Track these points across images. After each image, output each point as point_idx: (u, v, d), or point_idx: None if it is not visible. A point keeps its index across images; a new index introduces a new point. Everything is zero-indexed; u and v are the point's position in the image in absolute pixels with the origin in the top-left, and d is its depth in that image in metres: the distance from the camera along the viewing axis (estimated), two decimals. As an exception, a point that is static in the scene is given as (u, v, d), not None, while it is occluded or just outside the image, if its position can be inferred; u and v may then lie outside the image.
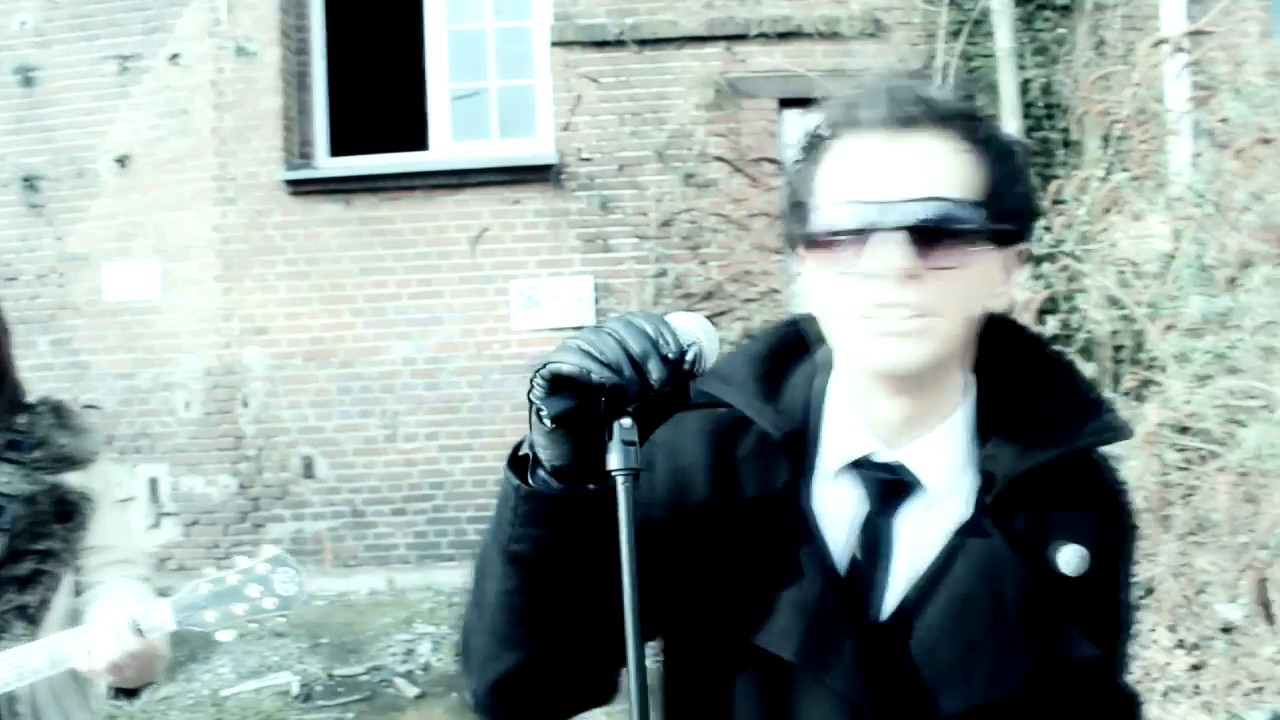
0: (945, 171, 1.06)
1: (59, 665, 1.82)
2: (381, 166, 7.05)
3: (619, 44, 6.97)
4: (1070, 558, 1.12)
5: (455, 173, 6.91)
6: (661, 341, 0.99)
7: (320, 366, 6.84)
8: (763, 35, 6.99)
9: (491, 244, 6.89)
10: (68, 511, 2.01)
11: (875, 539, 1.13)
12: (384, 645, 5.80)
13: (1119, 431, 1.17)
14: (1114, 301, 5.12)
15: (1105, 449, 1.21)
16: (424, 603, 6.48)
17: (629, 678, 0.98)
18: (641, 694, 0.98)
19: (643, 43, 6.99)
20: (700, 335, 1.03)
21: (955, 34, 6.80)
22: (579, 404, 0.98)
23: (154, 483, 7.05)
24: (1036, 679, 1.10)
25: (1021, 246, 1.14)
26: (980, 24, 6.81)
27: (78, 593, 2.03)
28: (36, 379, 7.05)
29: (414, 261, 6.90)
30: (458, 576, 6.77)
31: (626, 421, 0.98)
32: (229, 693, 5.25)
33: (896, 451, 1.13)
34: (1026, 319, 6.26)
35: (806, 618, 1.10)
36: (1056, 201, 5.90)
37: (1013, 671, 1.09)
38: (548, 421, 0.99)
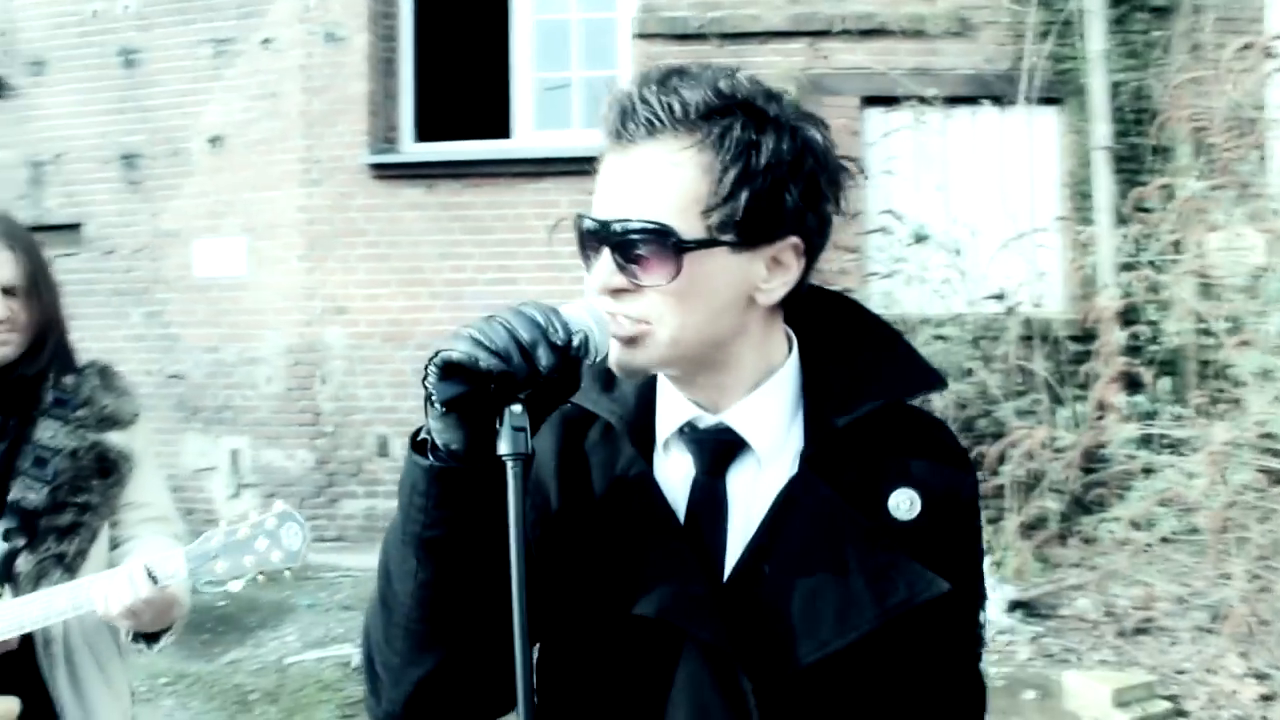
0: (650, 186, 1.08)
1: (81, 608, 1.92)
2: (464, 153, 7.16)
3: (701, 38, 6.98)
4: (901, 501, 1.15)
5: (536, 161, 6.98)
6: (551, 329, 1.03)
7: (397, 348, 6.98)
8: (846, 32, 6.94)
9: (570, 233, 6.94)
10: (108, 468, 2.13)
11: (707, 500, 1.16)
12: (445, 619, 5.88)
13: (931, 380, 1.23)
14: (1195, 314, 5.02)
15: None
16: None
17: (516, 658, 1.01)
18: (527, 674, 1.02)
19: (725, 37, 6.99)
20: (591, 323, 1.08)
21: (1044, 35, 6.70)
22: (469, 390, 1.02)
23: (235, 454, 7.26)
24: (888, 623, 1.11)
25: (791, 240, 1.12)
26: (1070, 24, 6.70)
27: (113, 546, 2.15)
28: (130, 349, 7.38)
29: (493, 248, 7.00)
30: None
31: (517, 408, 1.03)
32: (292, 660, 5.38)
33: (719, 415, 1.17)
34: (1109, 326, 6.17)
35: (662, 577, 1.12)
36: (1140, 209, 5.80)
37: (859, 615, 1.10)
38: (439, 406, 1.03)
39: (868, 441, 1.17)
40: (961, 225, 6.46)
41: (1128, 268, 6.27)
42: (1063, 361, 6.43)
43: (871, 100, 6.99)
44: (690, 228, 1.07)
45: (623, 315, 1.10)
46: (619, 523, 1.17)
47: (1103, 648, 4.90)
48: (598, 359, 1.09)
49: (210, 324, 7.34)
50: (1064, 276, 6.87)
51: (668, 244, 1.07)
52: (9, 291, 2.06)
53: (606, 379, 1.23)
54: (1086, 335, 6.40)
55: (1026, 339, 6.42)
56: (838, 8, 6.94)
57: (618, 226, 1.09)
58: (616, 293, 1.11)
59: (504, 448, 1.02)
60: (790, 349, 1.21)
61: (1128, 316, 6.19)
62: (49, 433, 2.09)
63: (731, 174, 1.07)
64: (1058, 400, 6.26)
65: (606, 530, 1.17)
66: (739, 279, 1.11)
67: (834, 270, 6.78)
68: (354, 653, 5.39)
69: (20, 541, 2.02)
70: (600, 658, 1.17)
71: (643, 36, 7.00)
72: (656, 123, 1.08)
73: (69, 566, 2.06)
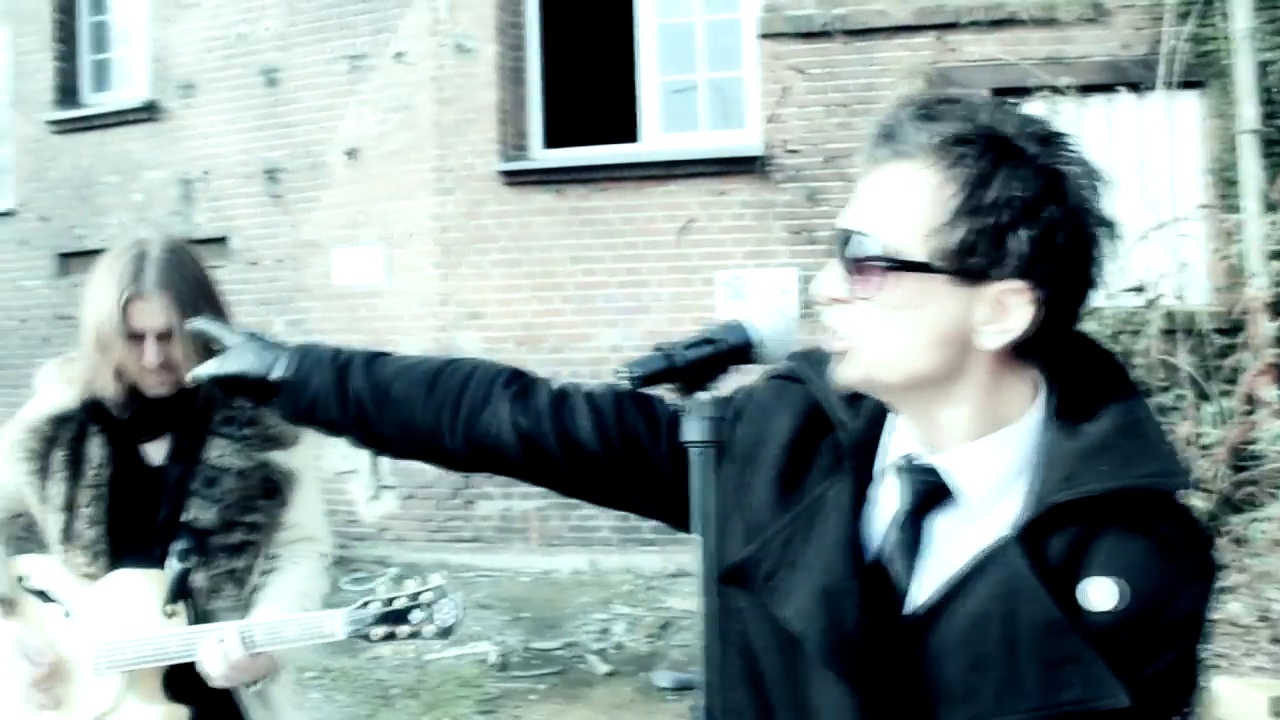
0: (883, 203, 1.09)
1: (187, 657, 2.01)
2: (593, 158, 7.26)
3: (827, 35, 6.95)
4: (1100, 591, 1.07)
5: (664, 164, 7.05)
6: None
7: (531, 351, 7.11)
8: (975, 23, 6.84)
9: (698, 234, 7.01)
10: (273, 488, 2.19)
11: (905, 539, 1.15)
12: (580, 623, 5.99)
13: (1178, 478, 1.12)
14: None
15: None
16: (623, 585, 6.66)
17: (703, 644, 1.05)
18: (714, 663, 1.06)
19: (851, 33, 6.95)
20: (767, 325, 1.13)
21: (1184, 15, 6.49)
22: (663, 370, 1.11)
23: (375, 457, 7.48)
24: (1051, 717, 1.06)
25: (1014, 284, 1.07)
26: (1212, 3, 6.48)
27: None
28: (278, 358, 7.59)
29: (623, 251, 7.09)
30: (658, 561, 6.94)
31: (706, 395, 1.07)
32: (432, 657, 5.53)
33: (938, 456, 1.14)
34: (1258, 317, 5.95)
35: (828, 602, 1.12)
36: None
37: (1020, 700, 1.06)
38: (630, 384, 1.12)
39: (1086, 518, 1.10)
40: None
41: (1278, 256, 6.03)
42: (1207, 355, 6.22)
43: (1002, 92, 6.84)
44: (908, 250, 1.08)
45: (833, 339, 1.13)
46: (814, 531, 1.18)
47: (1257, 654, 4.73)
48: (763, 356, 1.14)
49: (349, 330, 7.58)
50: (1208, 267, 6.64)
51: (882, 259, 1.08)
52: (162, 337, 2.07)
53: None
54: (1233, 327, 6.18)
55: (1169, 332, 6.22)
56: (965, -1, 6.85)
57: (846, 237, 1.12)
58: (834, 302, 1.13)
59: (692, 434, 1.06)
60: (1032, 404, 1.16)
61: (1278, 307, 5.97)
62: (218, 452, 2.15)
63: (955, 203, 1.06)
64: (1203, 395, 6.06)
65: (800, 531, 1.19)
66: (953, 314, 1.09)
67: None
68: (491, 650, 5.53)
69: (194, 560, 2.09)
70: (754, 640, 1.20)
71: (767, 36, 7.01)
72: (904, 145, 1.09)
73: (240, 582, 2.14)
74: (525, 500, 7.19)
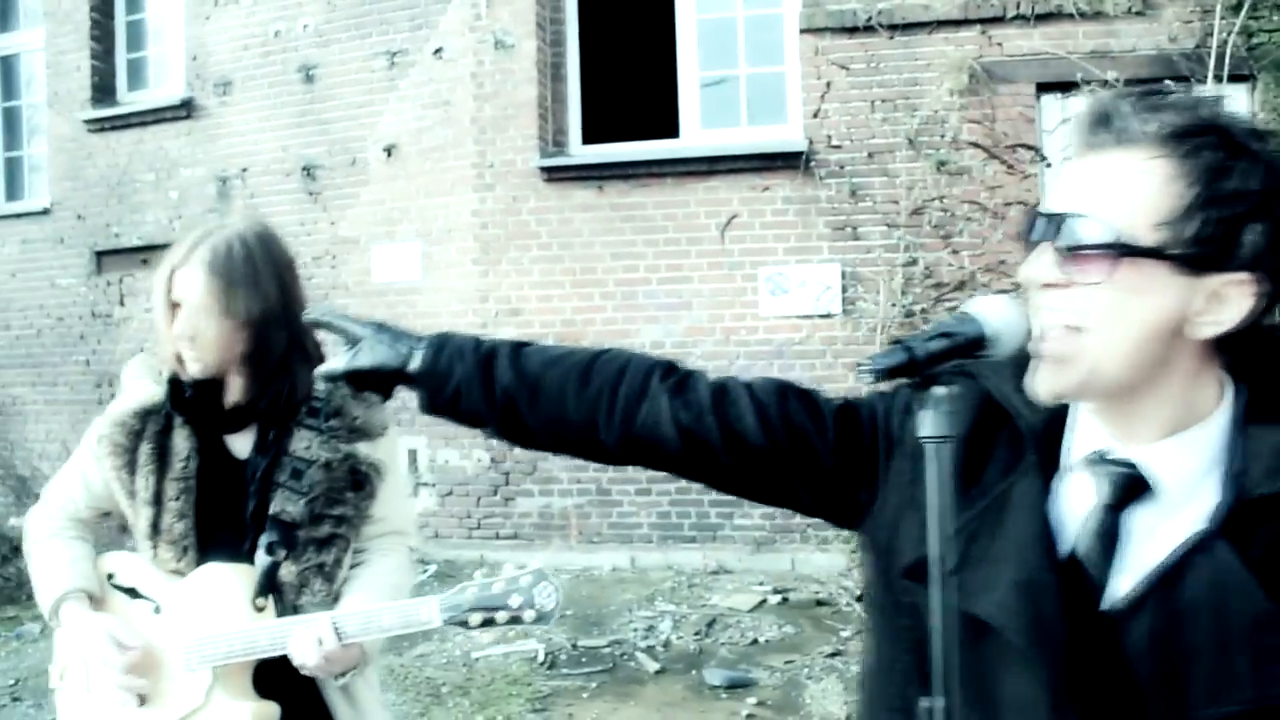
0: (1109, 189, 1.09)
1: (277, 650, 1.97)
2: (633, 154, 7.21)
3: (869, 29, 6.90)
4: None
5: (706, 159, 7.00)
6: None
7: (571, 348, 7.06)
8: (1020, 17, 6.77)
9: (740, 230, 6.96)
10: (360, 480, 2.15)
11: (1103, 533, 1.14)
12: (626, 620, 5.94)
13: None
14: None
15: None
16: (665, 581, 6.62)
17: (936, 643, 1.02)
18: (949, 662, 1.02)
19: (894, 28, 6.89)
20: (1001, 320, 1.11)
21: (1235, 8, 6.41)
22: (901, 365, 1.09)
23: (413, 454, 7.45)
24: (1262, 713, 1.05)
25: (1239, 276, 1.08)
26: (1264, -4, 6.41)
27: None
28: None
29: (664, 247, 7.05)
30: (698, 558, 6.90)
31: (942, 390, 1.05)
32: (479, 655, 5.50)
33: (1133, 450, 1.14)
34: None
35: (1027, 595, 1.11)
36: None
37: (1233, 693, 1.05)
38: (872, 377, 1.10)
39: None
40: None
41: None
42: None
43: (1047, 86, 6.81)
44: (1139, 236, 1.07)
45: (1053, 326, 1.11)
46: (1002, 525, 1.17)
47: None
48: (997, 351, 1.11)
49: (388, 328, 7.55)
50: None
51: (1113, 245, 1.07)
52: (197, 311, 2.05)
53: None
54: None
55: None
56: (1011, -8, 6.79)
57: (1067, 220, 1.10)
58: (1049, 287, 1.11)
59: (927, 429, 1.04)
60: (1222, 398, 1.16)
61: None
62: (304, 444, 2.11)
63: (1193, 193, 1.06)
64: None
65: (987, 526, 1.18)
66: (1173, 304, 1.09)
67: (1013, 261, 6.62)
68: (539, 648, 5.49)
69: (282, 553, 2.06)
70: (915, 638, 1.17)
71: (810, 31, 6.95)
72: (1130, 132, 1.10)
73: (329, 576, 2.10)
74: (564, 497, 7.16)
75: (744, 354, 6.90)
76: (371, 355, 1.41)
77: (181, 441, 2.11)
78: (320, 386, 2.14)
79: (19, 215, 9.32)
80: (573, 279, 7.16)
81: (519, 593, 1.90)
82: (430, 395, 1.40)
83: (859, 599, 6.00)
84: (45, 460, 8.03)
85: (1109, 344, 1.09)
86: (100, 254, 8.91)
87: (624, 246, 7.09)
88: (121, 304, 8.79)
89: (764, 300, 6.92)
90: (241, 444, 2.15)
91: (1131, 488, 1.13)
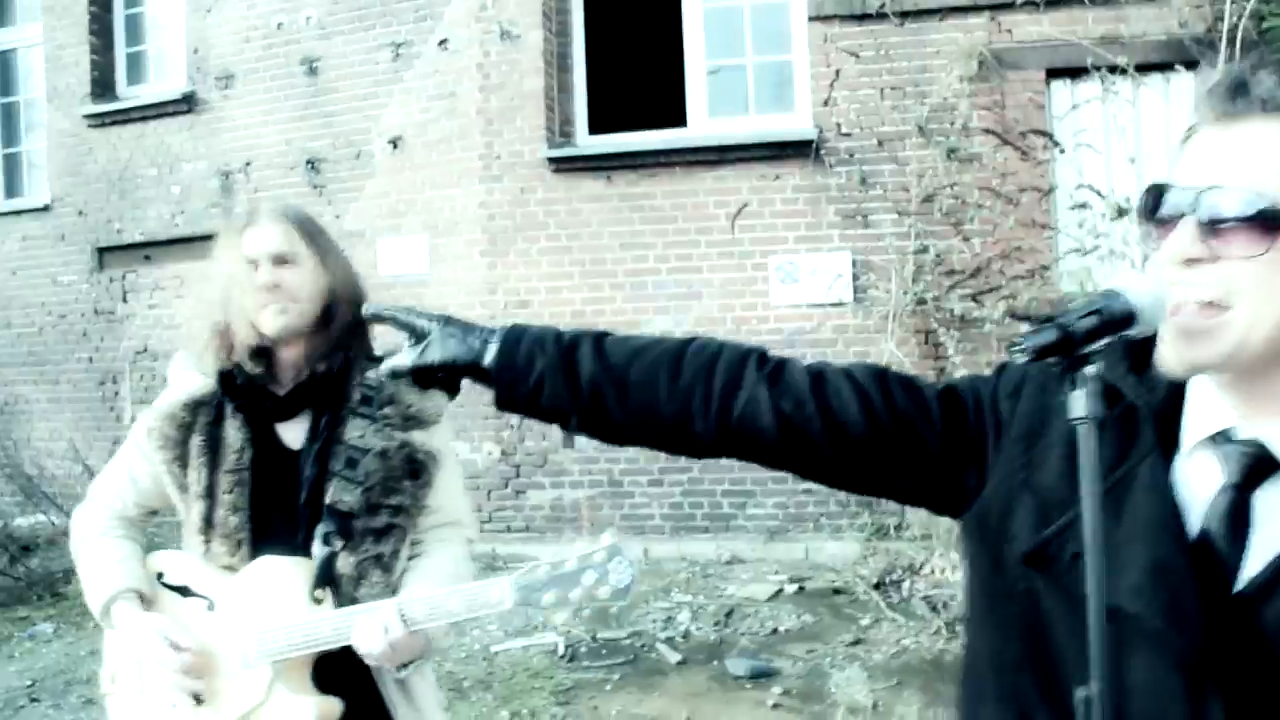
0: (1254, 159, 1.05)
1: (341, 640, 1.91)
2: (642, 144, 7.17)
3: (879, 17, 6.87)
4: None
5: (715, 149, 6.97)
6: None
7: (581, 339, 7.02)
8: (1030, 3, 6.74)
9: (750, 219, 6.93)
10: (417, 469, 2.09)
11: (1232, 514, 1.10)
12: (643, 611, 5.90)
13: None
14: None
15: None
16: (679, 572, 6.59)
17: (1092, 632, 0.99)
18: (1103, 652, 0.99)
19: (904, 15, 6.86)
20: (1146, 298, 1.07)
21: (1245, -8, 6.39)
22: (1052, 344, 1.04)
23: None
24: None
25: None
26: (1274, -21, 6.39)
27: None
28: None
29: (673, 237, 7.01)
30: (711, 548, 6.87)
31: (1092, 369, 1.01)
32: (499, 649, 5.46)
33: (1260, 427, 1.11)
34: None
35: (1161, 578, 1.09)
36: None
37: None
38: (1024, 356, 1.04)
39: None
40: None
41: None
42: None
43: (1057, 72, 6.79)
44: None
45: (1193, 301, 1.07)
46: (1123, 509, 1.14)
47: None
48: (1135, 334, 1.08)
49: (394, 321, 7.51)
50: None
51: (1262, 215, 1.04)
52: (280, 260, 2.04)
53: (1137, 359, 1.19)
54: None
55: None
56: (1020, -22, 6.76)
57: (1209, 194, 1.06)
58: (1191, 263, 1.07)
59: (1078, 410, 1.00)
60: None
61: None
62: (358, 432, 2.06)
63: None
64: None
65: (1105, 509, 1.13)
66: None
67: (1026, 248, 6.61)
68: (558, 640, 5.46)
69: (339, 544, 2.01)
70: (1056, 622, 1.15)
71: (819, 18, 6.92)
72: (1272, 101, 1.06)
73: (386, 567, 2.05)
74: (575, 489, 7.13)
75: (754, 343, 6.85)
76: (442, 350, 1.36)
77: (234, 432, 2.07)
78: (371, 375, 2.09)
79: (19, 212, 9.24)
80: (582, 270, 7.12)
81: (593, 569, 1.82)
82: (507, 389, 1.35)
83: (876, 586, 5.99)
84: (51, 459, 7.98)
85: (1257, 318, 1.06)
86: (102, 250, 8.84)
87: (633, 237, 7.05)
88: (124, 300, 8.72)
89: (774, 289, 6.89)
90: (293, 433, 2.11)
91: (1260, 467, 1.10)
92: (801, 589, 6.10)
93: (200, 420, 2.07)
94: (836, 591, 6.02)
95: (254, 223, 2.09)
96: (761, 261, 6.91)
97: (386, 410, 2.09)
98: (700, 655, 5.19)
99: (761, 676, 4.80)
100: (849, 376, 1.31)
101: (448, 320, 1.39)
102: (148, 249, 8.64)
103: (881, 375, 1.31)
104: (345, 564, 2.02)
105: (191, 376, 2.13)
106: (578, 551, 1.85)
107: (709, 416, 1.30)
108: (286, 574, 1.99)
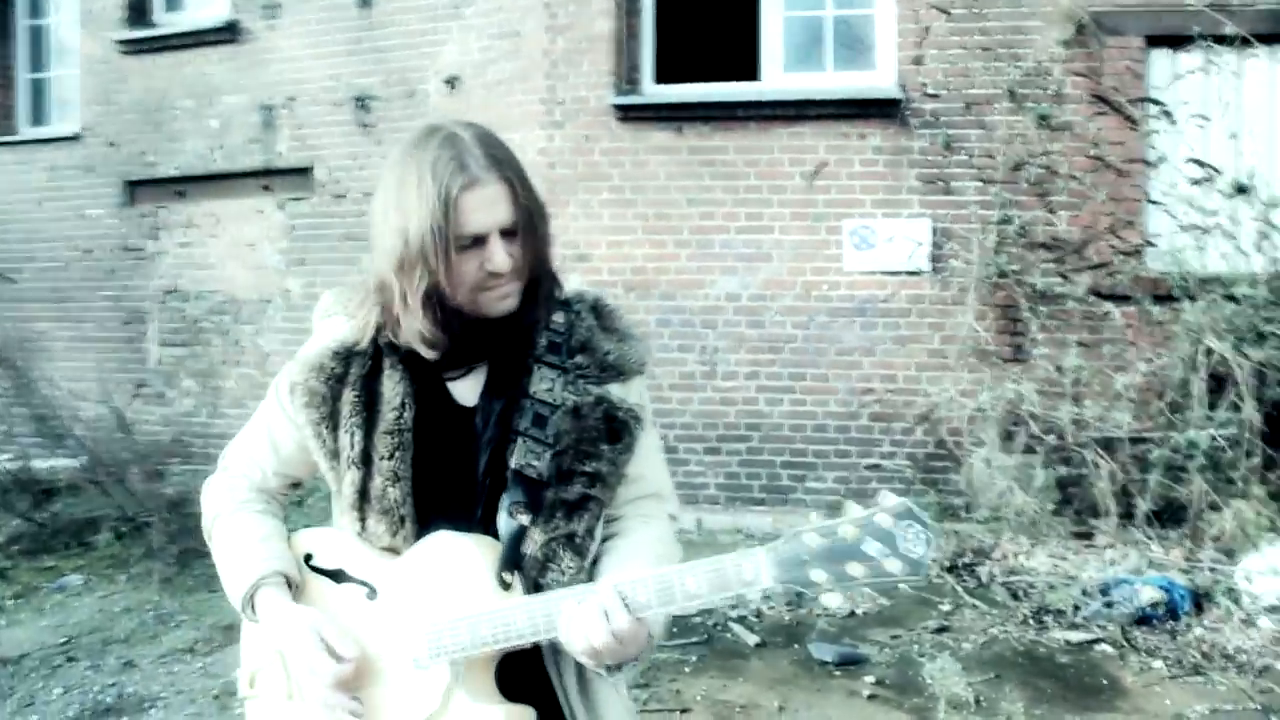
0: None
1: (540, 635, 1.54)
2: (714, 95, 6.80)
3: (970, -29, 6.51)
4: None
5: (792, 104, 6.61)
6: None
7: (641, 297, 6.71)
8: (1131, -36, 6.39)
9: (826, 180, 6.58)
10: (617, 430, 1.70)
11: None
12: (705, 586, 5.62)
13: None
14: None
15: None
16: (734, 545, 6.30)
17: None
18: None
19: (997, -30, 6.50)
20: None
21: (1365, -37, 6.05)
22: None
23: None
24: None
25: None
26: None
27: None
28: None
29: (744, 195, 6.67)
30: (768, 521, 6.59)
31: None
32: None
33: None
34: None
35: None
36: None
37: None
38: None
39: None
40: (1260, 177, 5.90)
41: None
42: None
43: (1157, 40, 6.44)
44: None
45: None
46: None
47: None
48: None
49: (442, 271, 7.18)
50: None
51: None
52: (509, 234, 1.61)
53: None
54: None
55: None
56: (1125, -63, 6.39)
57: None
58: None
59: None
60: None
61: None
62: (545, 385, 1.68)
63: None
64: None
65: None
66: None
67: (1120, 223, 6.29)
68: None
69: (527, 517, 1.63)
70: None
71: (908, -30, 6.56)
72: None
73: (579, 549, 1.65)
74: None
75: (825, 310, 6.55)
76: None
77: (393, 386, 1.68)
78: (559, 318, 1.73)
79: (46, 140, 8.87)
80: (645, 224, 6.78)
81: (876, 537, 1.39)
82: None
83: (949, 570, 5.72)
84: (74, 399, 7.64)
85: None
86: (133, 184, 8.47)
87: (701, 192, 6.71)
88: (155, 238, 8.37)
89: (848, 254, 6.56)
90: (466, 388, 1.72)
91: None
92: (870, 569, 5.81)
93: (353, 373, 1.70)
94: (908, 574, 5.73)
95: (475, 182, 1.57)
96: (836, 225, 6.57)
97: (579, 359, 1.71)
98: (778, 638, 4.90)
99: (849, 664, 4.52)
100: None
101: None
102: (181, 184, 8.27)
103: None
104: (532, 544, 1.63)
105: (340, 321, 1.76)
106: (852, 514, 1.42)
107: None
108: (466, 554, 1.60)
